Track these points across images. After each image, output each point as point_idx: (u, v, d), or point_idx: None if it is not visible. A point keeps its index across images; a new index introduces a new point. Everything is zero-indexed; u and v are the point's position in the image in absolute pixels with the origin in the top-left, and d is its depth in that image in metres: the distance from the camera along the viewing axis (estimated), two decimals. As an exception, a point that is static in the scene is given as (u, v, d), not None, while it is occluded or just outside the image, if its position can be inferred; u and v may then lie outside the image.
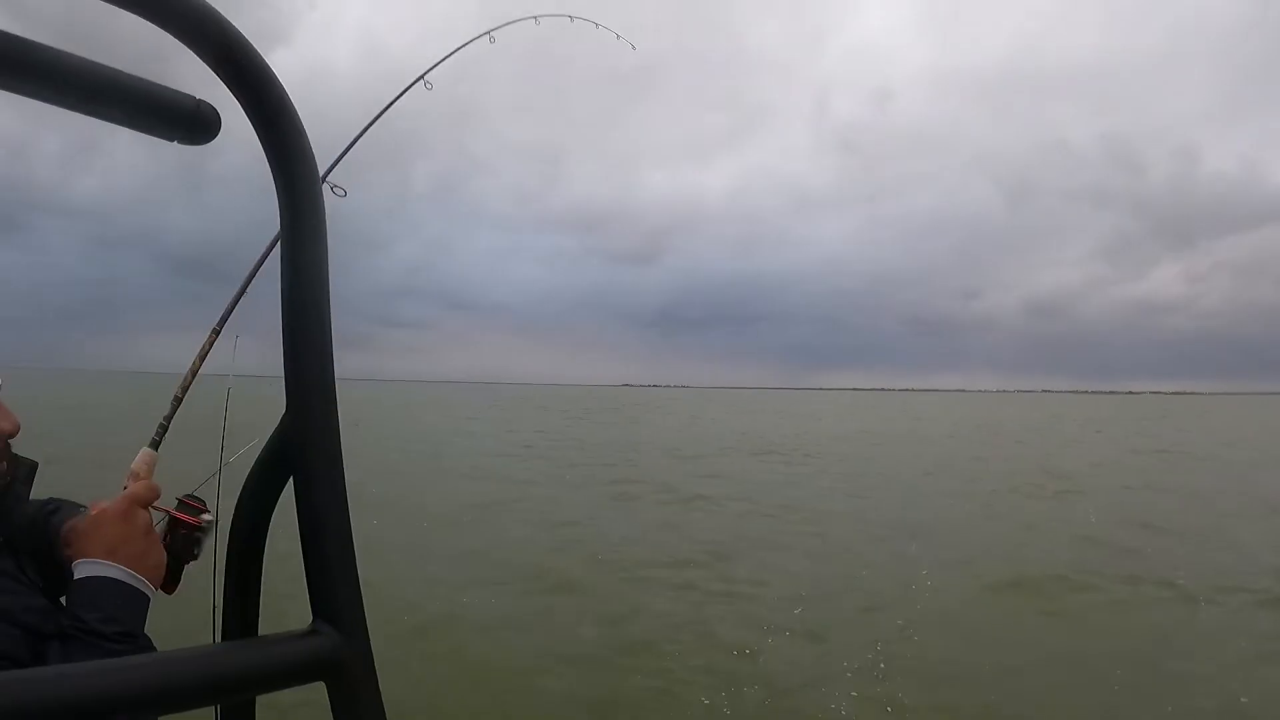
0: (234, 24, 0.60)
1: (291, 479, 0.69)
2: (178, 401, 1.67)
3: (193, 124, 0.66)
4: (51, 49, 0.57)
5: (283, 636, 0.62)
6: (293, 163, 0.65)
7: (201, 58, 0.59)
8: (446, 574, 9.08)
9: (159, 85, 0.64)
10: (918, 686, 5.96)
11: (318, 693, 0.62)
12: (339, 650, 0.63)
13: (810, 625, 7.40)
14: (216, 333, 1.80)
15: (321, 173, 2.20)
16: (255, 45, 0.61)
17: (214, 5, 0.59)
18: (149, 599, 1.17)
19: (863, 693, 5.80)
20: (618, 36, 3.69)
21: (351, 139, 2.32)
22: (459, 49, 2.62)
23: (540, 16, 3.01)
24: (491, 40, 2.73)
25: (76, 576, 1.13)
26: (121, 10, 0.53)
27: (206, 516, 1.37)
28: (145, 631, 1.14)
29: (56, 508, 1.38)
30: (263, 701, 0.68)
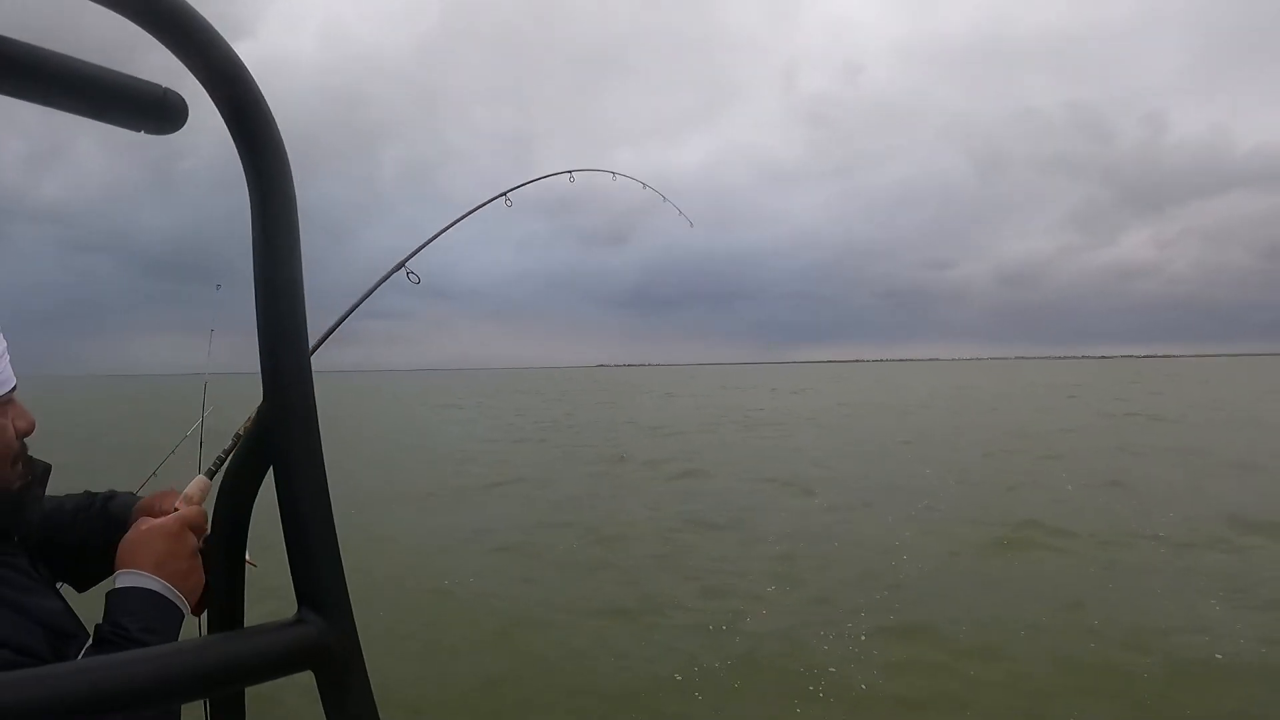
0: (199, 11, 0.59)
1: (272, 469, 0.69)
2: (238, 439, 1.68)
3: (160, 113, 0.64)
4: (9, 39, 0.55)
5: (269, 626, 0.62)
6: (263, 154, 0.64)
7: (168, 47, 0.58)
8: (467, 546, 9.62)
9: (124, 74, 0.62)
10: (910, 607, 7.13)
11: (309, 679, 0.63)
12: (325, 637, 0.63)
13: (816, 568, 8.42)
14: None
15: (400, 261, 2.36)
16: (222, 33, 0.61)
17: None
18: (184, 616, 1.19)
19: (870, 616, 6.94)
20: (679, 212, 4.11)
21: (431, 236, 2.49)
22: (541, 178, 2.96)
23: (618, 175, 3.47)
24: (571, 180, 3.14)
25: (121, 585, 1.15)
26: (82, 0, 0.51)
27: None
28: None
29: (112, 495, 1.45)
30: (257, 691, 0.68)
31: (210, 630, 0.88)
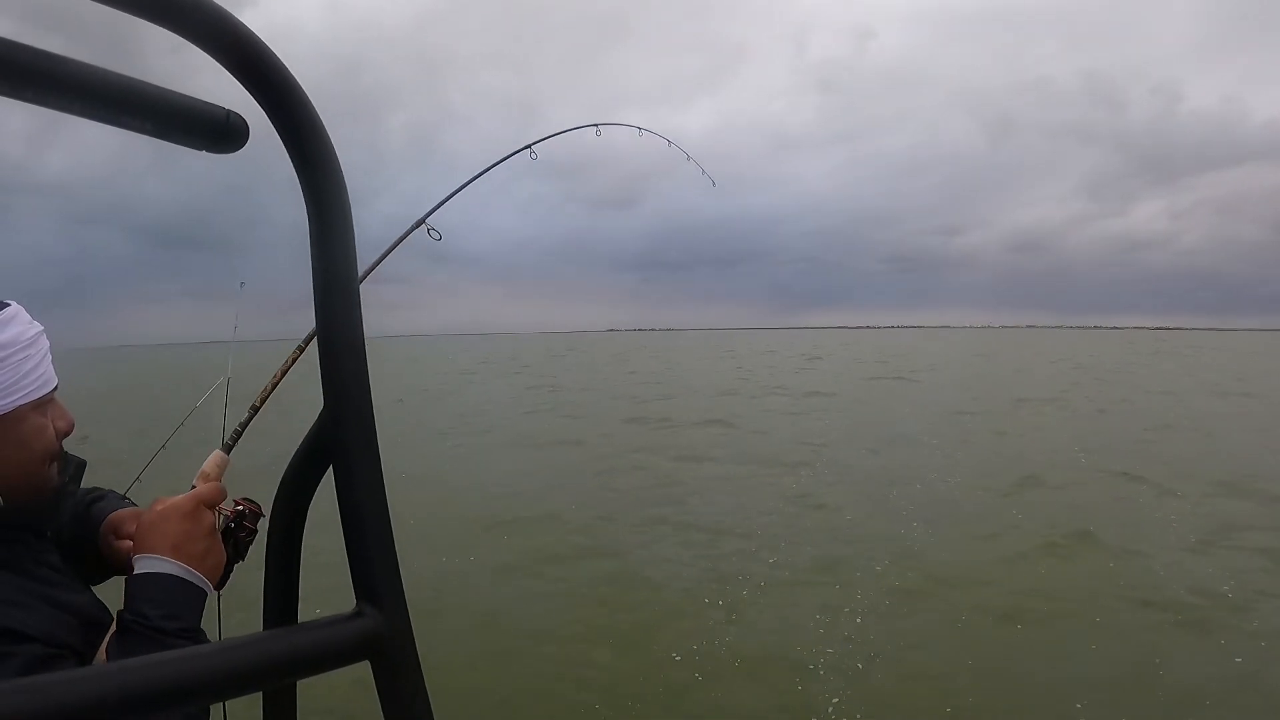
0: (254, 31, 0.62)
1: (331, 468, 0.74)
2: (254, 411, 1.70)
3: (224, 135, 0.69)
4: (83, 64, 0.59)
5: (330, 620, 0.65)
6: (321, 176, 0.69)
7: (226, 67, 0.61)
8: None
9: (190, 98, 0.67)
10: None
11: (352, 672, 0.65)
12: (382, 629, 0.66)
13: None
14: (302, 349, 1.83)
15: (420, 217, 2.34)
16: (274, 50, 0.64)
17: (234, 14, 0.60)
18: (207, 596, 1.19)
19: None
20: (702, 171, 3.95)
21: (453, 191, 2.46)
22: (567, 131, 2.87)
23: (643, 130, 3.33)
24: (598, 134, 3.05)
25: (140, 571, 1.15)
26: (143, 21, 0.54)
27: (263, 520, 1.35)
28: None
29: (100, 496, 1.45)
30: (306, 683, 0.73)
31: (265, 625, 0.90)
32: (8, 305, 1.16)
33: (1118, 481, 11.34)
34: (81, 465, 1.31)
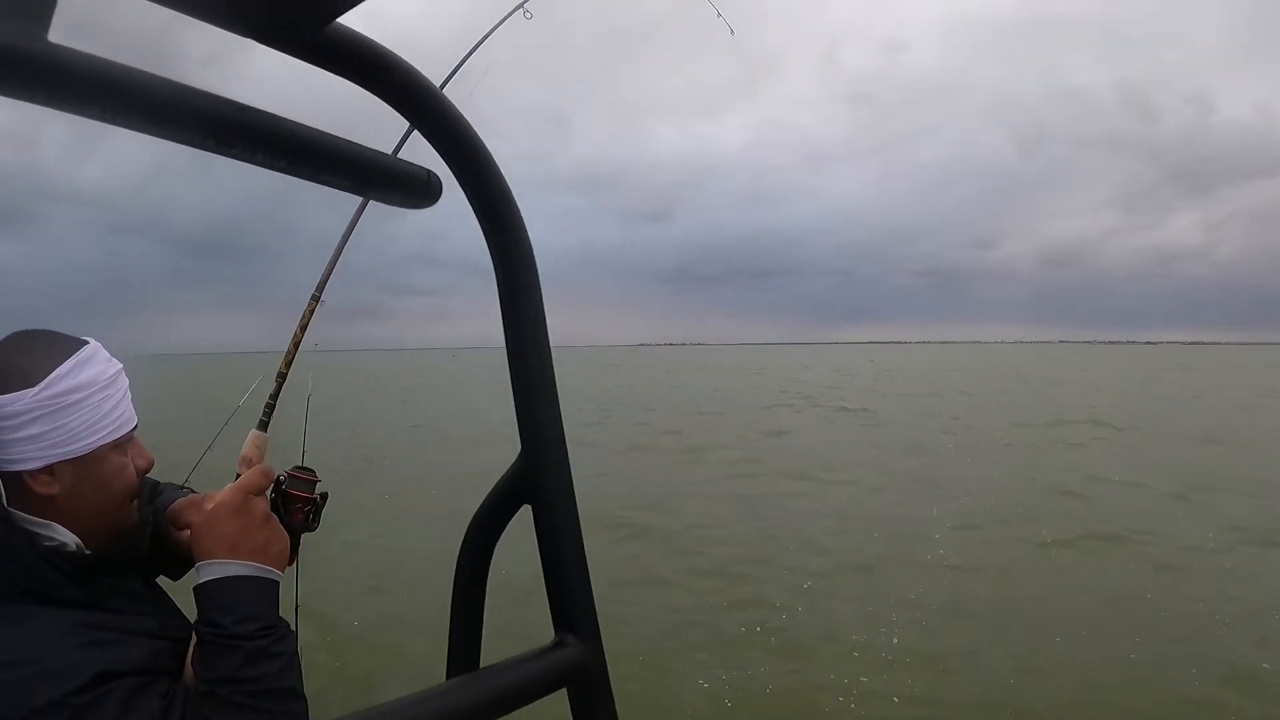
0: (456, 106, 0.72)
1: (527, 509, 0.83)
2: (282, 377, 1.70)
3: (424, 193, 0.77)
4: (300, 125, 0.65)
5: (535, 652, 0.74)
6: (507, 232, 0.79)
7: (425, 135, 0.72)
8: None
9: (396, 159, 0.75)
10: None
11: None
12: (583, 658, 0.75)
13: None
14: (316, 299, 1.81)
15: (439, 83, 2.16)
16: (471, 124, 0.74)
17: (441, 91, 0.72)
18: (279, 583, 1.18)
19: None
20: (718, 14, 3.47)
21: (460, 61, 2.37)
22: None
23: None
24: None
25: (203, 579, 1.13)
26: (347, 82, 0.64)
27: (321, 488, 1.35)
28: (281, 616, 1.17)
29: (159, 490, 1.42)
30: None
31: (450, 661, 0.94)
32: (86, 343, 1.14)
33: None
34: (154, 487, 1.36)
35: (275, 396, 1.64)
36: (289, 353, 1.74)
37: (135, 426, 1.19)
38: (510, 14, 2.45)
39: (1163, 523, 10.04)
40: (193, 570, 1.17)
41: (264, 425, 1.53)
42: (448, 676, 0.89)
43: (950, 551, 8.73)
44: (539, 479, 0.80)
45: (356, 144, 0.69)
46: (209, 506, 1.18)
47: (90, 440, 1.10)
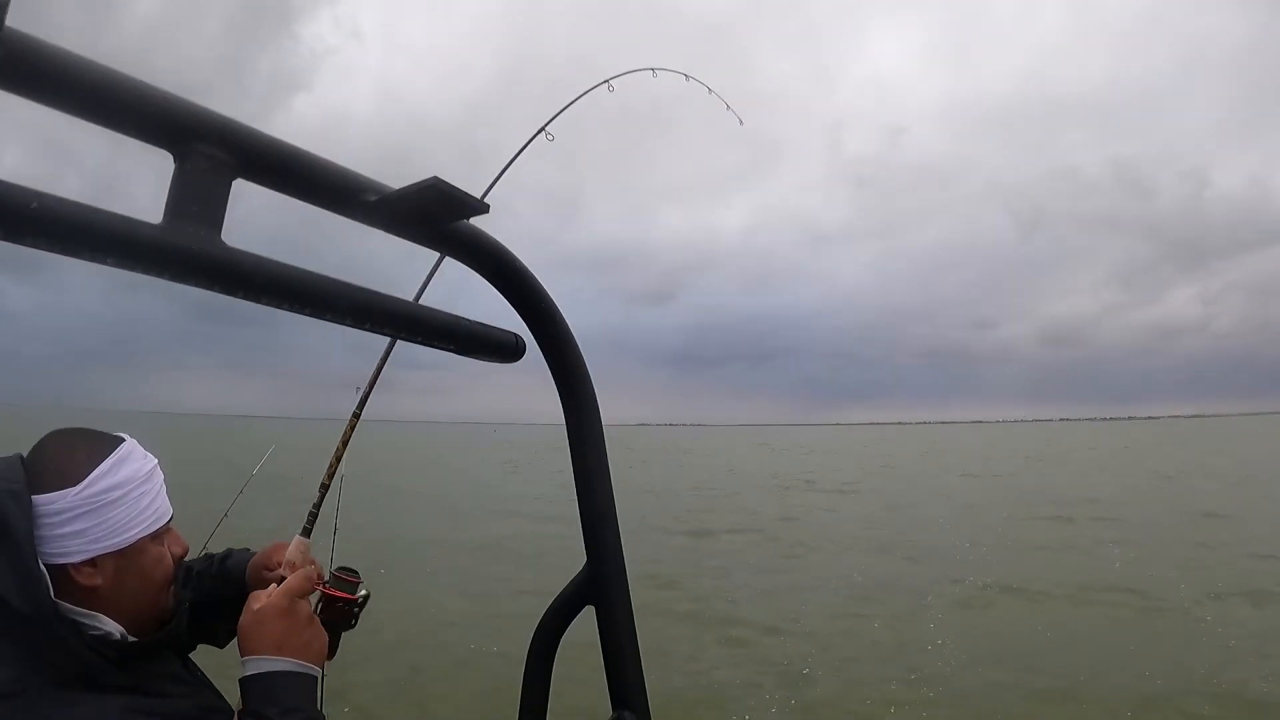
0: (531, 271, 0.87)
1: (590, 608, 0.98)
2: (324, 489, 1.76)
3: (512, 352, 0.88)
4: (410, 303, 0.78)
5: None
6: (575, 386, 0.94)
7: (503, 294, 0.87)
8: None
9: (488, 326, 0.85)
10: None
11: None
12: None
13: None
14: (358, 416, 1.90)
15: (479, 194, 2.36)
16: (542, 283, 0.89)
17: (516, 255, 0.85)
18: (318, 678, 1.25)
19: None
20: (727, 107, 3.57)
21: (485, 190, 2.41)
22: (579, 97, 2.65)
23: (658, 70, 3.06)
24: (610, 89, 2.79)
25: (250, 673, 1.20)
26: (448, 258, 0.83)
27: (363, 591, 1.46)
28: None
29: (227, 554, 1.56)
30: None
31: None
32: (123, 440, 1.21)
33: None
34: (188, 571, 1.40)
35: (318, 506, 1.72)
36: (331, 466, 1.80)
37: (171, 517, 1.24)
38: (533, 138, 2.53)
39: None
40: (240, 661, 1.25)
41: (307, 531, 1.60)
42: None
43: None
44: (602, 585, 0.95)
45: (457, 316, 0.82)
46: (256, 607, 1.25)
47: (130, 534, 1.15)
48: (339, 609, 1.43)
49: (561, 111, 2.57)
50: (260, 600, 1.26)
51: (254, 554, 1.54)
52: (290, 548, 1.50)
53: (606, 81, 2.75)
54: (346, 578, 1.45)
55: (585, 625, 1.04)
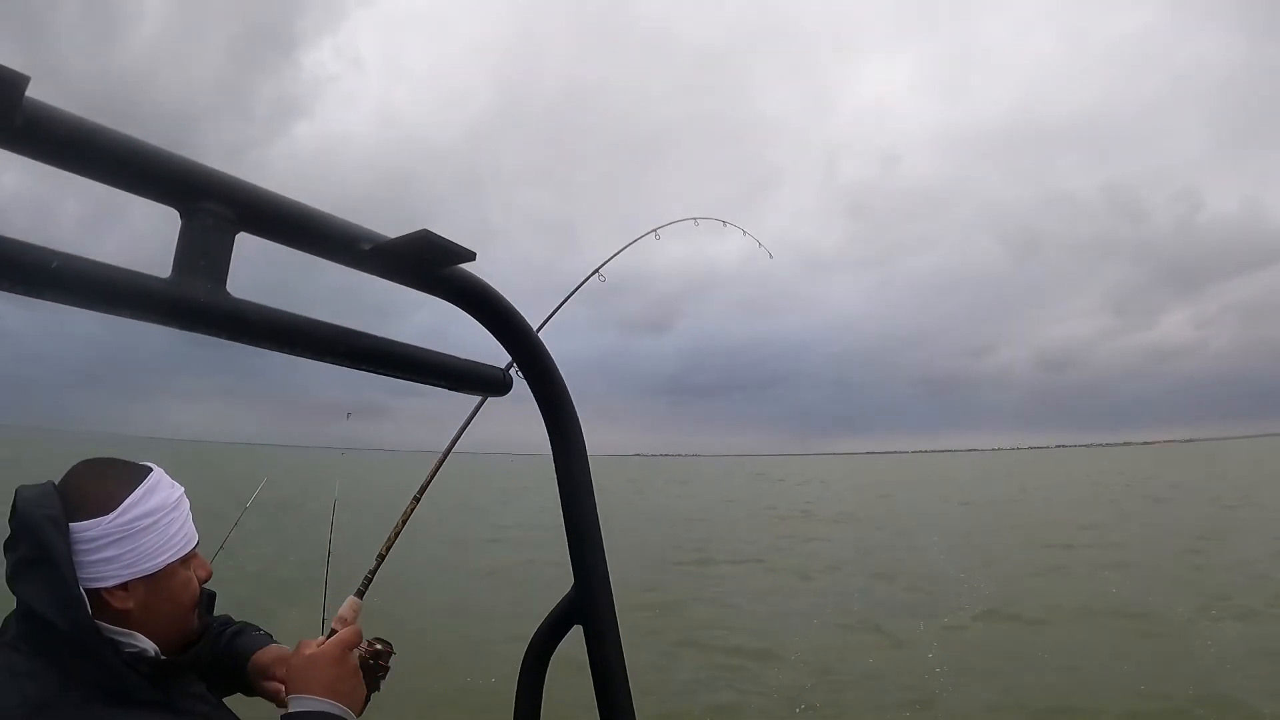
0: (519, 311, 0.92)
1: (577, 629, 1.02)
2: (381, 559, 1.88)
3: (501, 385, 0.95)
4: (407, 344, 0.82)
5: None
6: (557, 403, 0.99)
7: (494, 334, 0.90)
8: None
9: (480, 364, 0.91)
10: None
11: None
12: None
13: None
14: (417, 500, 1.99)
15: (536, 326, 2.51)
16: (527, 320, 0.94)
17: (509, 301, 0.90)
18: None
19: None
20: (759, 245, 4.06)
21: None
22: (629, 245, 2.90)
23: (700, 219, 3.32)
24: (657, 237, 3.04)
25: (296, 709, 1.27)
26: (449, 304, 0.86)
27: (394, 658, 1.59)
28: None
29: (239, 630, 1.60)
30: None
31: None
32: (150, 469, 1.27)
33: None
34: (212, 596, 1.43)
35: (374, 572, 1.81)
36: (390, 539, 1.92)
37: (196, 543, 1.30)
38: (586, 279, 2.76)
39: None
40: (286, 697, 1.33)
41: (360, 594, 1.69)
42: None
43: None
44: (589, 605, 0.99)
45: (448, 354, 0.87)
46: (308, 652, 1.34)
47: (160, 559, 1.21)
48: (370, 669, 1.51)
49: (613, 257, 2.83)
50: (311, 647, 1.35)
51: (262, 638, 1.59)
52: (344, 605, 1.58)
53: (653, 231, 3.04)
54: (383, 648, 1.57)
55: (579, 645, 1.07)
